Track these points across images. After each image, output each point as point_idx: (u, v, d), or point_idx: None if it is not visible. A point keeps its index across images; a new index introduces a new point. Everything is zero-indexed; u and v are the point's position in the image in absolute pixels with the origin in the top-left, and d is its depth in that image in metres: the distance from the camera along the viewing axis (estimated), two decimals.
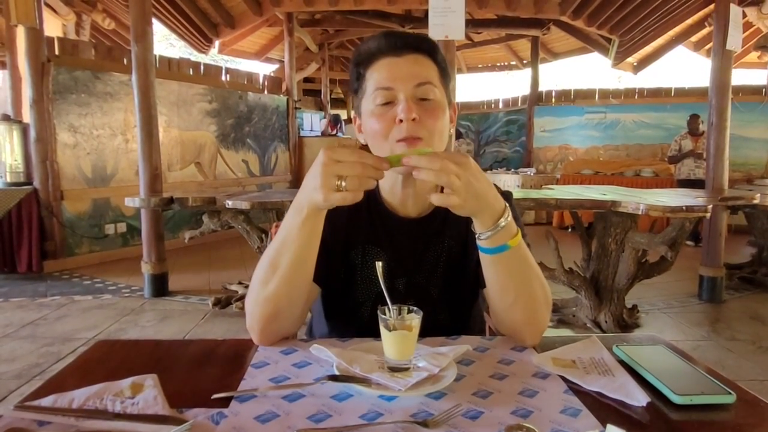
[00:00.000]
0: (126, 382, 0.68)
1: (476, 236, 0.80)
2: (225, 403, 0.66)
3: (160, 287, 3.94)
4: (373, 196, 0.98)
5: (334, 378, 0.71)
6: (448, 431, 0.61)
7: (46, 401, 0.64)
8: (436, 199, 0.73)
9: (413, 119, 0.86)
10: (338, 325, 1.02)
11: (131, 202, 3.47)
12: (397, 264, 0.96)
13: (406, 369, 0.74)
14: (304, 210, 0.76)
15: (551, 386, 0.73)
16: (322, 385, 0.71)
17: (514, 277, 0.83)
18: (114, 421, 0.61)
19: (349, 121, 9.37)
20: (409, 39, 0.93)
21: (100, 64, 4.99)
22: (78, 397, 0.65)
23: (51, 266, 4.62)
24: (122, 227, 5.20)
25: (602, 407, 0.68)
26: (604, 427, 0.56)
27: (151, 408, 0.63)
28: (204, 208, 3.53)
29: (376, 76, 0.91)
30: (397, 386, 0.68)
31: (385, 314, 0.75)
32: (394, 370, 0.74)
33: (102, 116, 4.99)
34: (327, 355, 0.76)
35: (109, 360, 0.83)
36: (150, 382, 0.68)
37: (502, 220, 0.77)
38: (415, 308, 0.77)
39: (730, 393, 0.68)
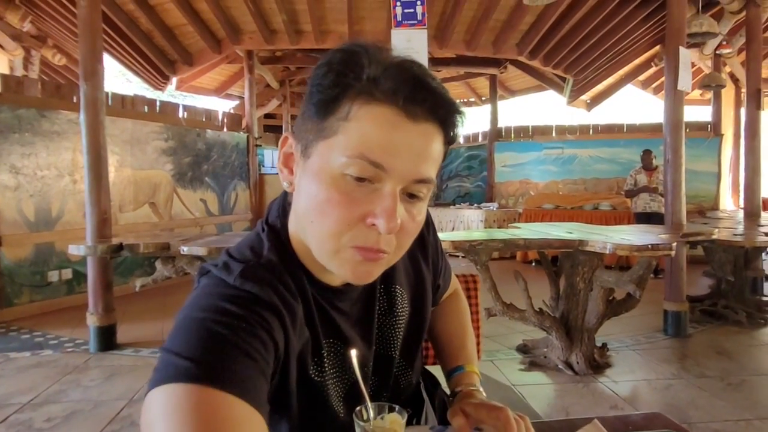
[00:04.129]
0: None
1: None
2: None
3: (108, 340, 3.63)
4: (314, 283, 0.72)
5: None
6: None
7: None
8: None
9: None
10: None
11: (76, 250, 3.23)
12: (361, 340, 0.79)
13: None
14: None
15: None
16: None
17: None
18: None
19: None
20: (437, 102, 0.61)
21: (47, 101, 4.73)
22: None
23: None
24: (67, 274, 4.84)
25: None
26: None
27: None
28: (157, 254, 3.32)
29: (368, 131, 0.58)
30: None
31: (362, 417, 0.63)
32: None
33: (48, 156, 4.70)
34: None
35: None
36: None
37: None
38: (397, 407, 0.65)
39: None
